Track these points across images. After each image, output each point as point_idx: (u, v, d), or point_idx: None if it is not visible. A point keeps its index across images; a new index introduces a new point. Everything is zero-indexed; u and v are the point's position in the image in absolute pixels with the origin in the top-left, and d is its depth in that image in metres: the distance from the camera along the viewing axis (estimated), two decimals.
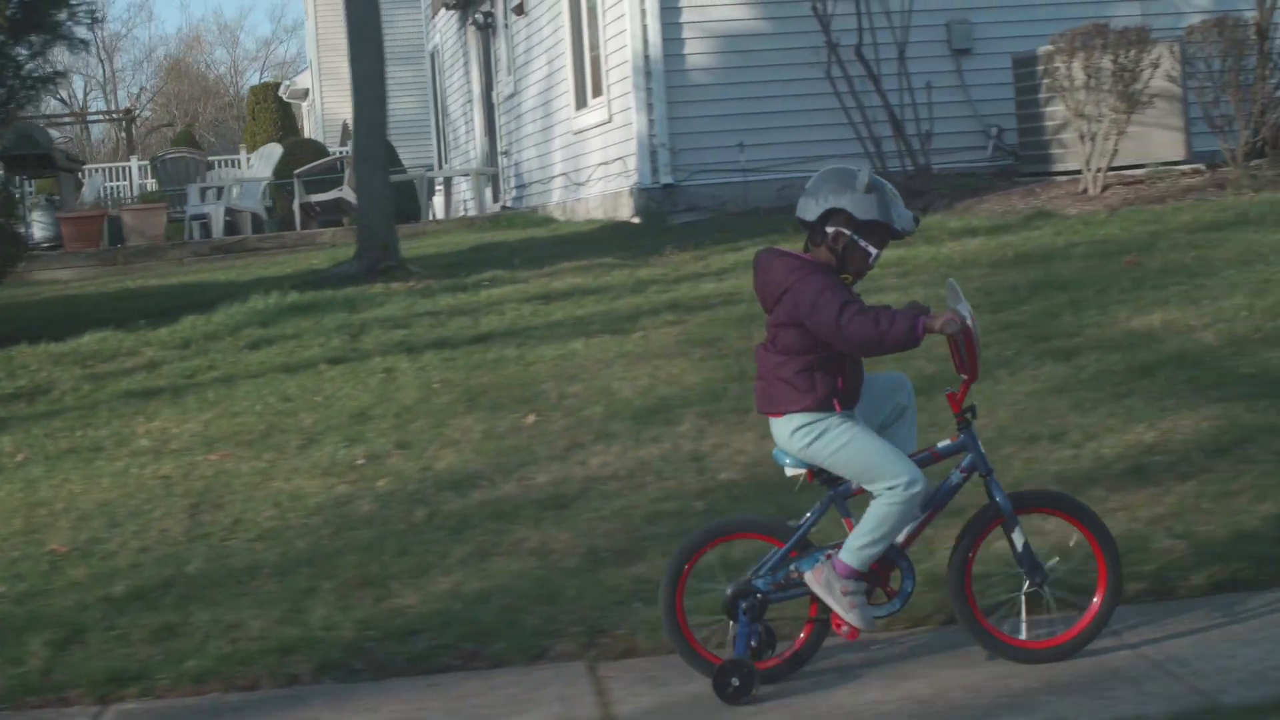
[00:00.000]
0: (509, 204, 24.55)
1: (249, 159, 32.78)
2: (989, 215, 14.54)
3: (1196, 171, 15.58)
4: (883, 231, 5.55)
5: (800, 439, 5.55)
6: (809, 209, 5.56)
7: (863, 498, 5.71)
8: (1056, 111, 15.60)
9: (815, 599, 5.64)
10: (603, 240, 16.25)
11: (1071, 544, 5.93)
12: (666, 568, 5.77)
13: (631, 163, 17.34)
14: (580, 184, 19.85)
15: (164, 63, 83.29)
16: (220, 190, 24.14)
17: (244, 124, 57.58)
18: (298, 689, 6.17)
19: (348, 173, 23.12)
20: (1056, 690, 5.45)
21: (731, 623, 5.69)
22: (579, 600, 6.57)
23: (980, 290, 11.22)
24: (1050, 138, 15.87)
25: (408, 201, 24.54)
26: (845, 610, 5.53)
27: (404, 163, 30.36)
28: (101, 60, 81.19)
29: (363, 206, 14.23)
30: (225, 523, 7.94)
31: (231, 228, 24.09)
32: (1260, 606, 6.03)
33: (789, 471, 5.72)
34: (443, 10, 29.18)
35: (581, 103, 19.88)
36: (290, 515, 7.95)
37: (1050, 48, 15.37)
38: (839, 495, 5.68)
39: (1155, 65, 14.92)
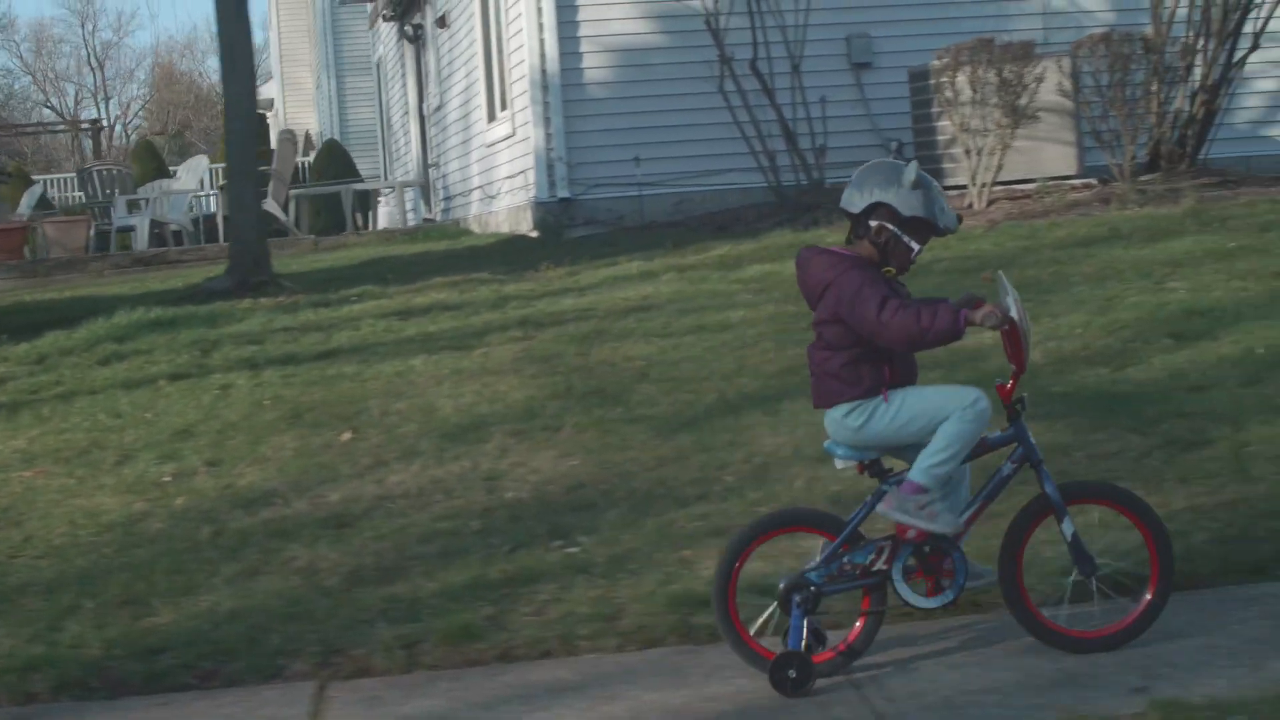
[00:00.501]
0: (437, 216, 24.57)
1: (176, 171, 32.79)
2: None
3: (1087, 186, 15.62)
4: (926, 228, 5.61)
5: (853, 421, 5.58)
6: (853, 201, 5.61)
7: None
8: (947, 126, 15.63)
9: (868, 591, 5.66)
10: (494, 254, 16.26)
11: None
12: (719, 561, 5.76)
13: (531, 176, 17.36)
14: (492, 197, 19.88)
15: (155, 71, 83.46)
16: (147, 202, 24.12)
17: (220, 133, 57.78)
18: (35, 707, 6.18)
19: (271, 185, 23.11)
20: (748, 713, 5.46)
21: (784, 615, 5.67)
22: (327, 620, 6.58)
23: None
24: (942, 152, 15.89)
25: (336, 214, 24.59)
26: (928, 521, 5.52)
27: (361, 173, 30.40)
28: (93, 69, 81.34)
29: (233, 222, 14.23)
30: (16, 540, 7.94)
31: (162, 240, 24.09)
32: (986, 631, 6.02)
33: (839, 464, 5.74)
34: (381, 22, 29.20)
35: (492, 116, 19.92)
36: (81, 533, 7.94)
37: (938, 62, 15.39)
38: (890, 487, 5.68)
39: (1039, 80, 14.94)
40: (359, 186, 25.12)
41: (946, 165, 15.85)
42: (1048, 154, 15.77)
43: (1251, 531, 6.67)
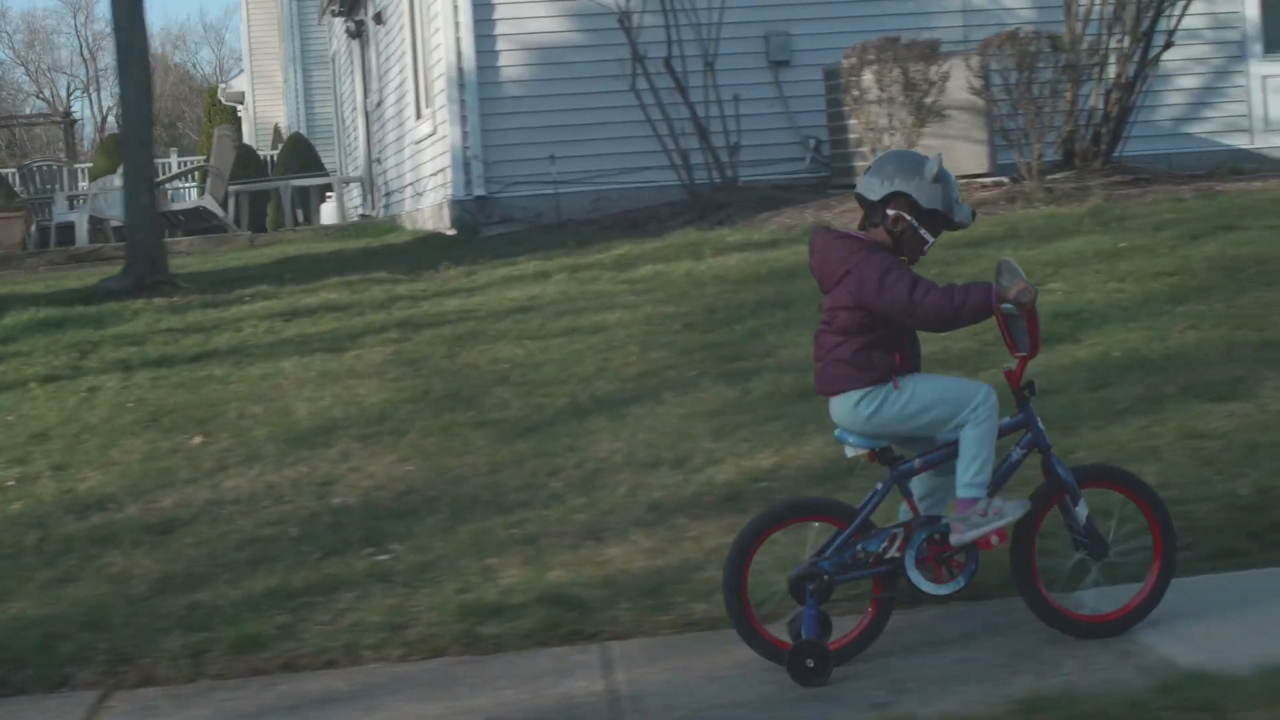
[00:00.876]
0: (379, 212, 24.56)
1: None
2: (775, 229, 14.55)
3: (997, 184, 15.62)
4: (941, 221, 5.62)
5: (864, 409, 5.57)
6: (873, 188, 5.61)
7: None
8: (857, 124, 15.62)
9: (880, 579, 5.67)
10: (405, 252, 16.28)
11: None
12: (731, 550, 5.74)
13: (449, 174, 17.36)
14: (420, 194, 19.90)
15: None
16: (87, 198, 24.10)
17: (200, 125, 57.80)
18: None
19: (210, 181, 23.11)
20: None
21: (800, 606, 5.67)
22: (124, 628, 6.57)
23: (706, 309, 11.27)
24: (853, 150, 15.89)
25: (274, 209, 24.60)
26: (999, 520, 5.56)
27: (326, 166, 30.36)
28: (85, 60, 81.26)
29: (129, 222, 14.23)
30: None
31: (104, 235, 24.02)
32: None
33: (850, 452, 5.74)
34: (330, 17, 29.18)
35: (418, 114, 19.93)
36: None
37: (846, 61, 15.39)
38: (901, 475, 5.70)
39: (945, 79, 14.94)
40: (298, 182, 25.10)
41: (858, 163, 15.85)
42: (959, 152, 15.73)
43: (1046, 545, 6.63)
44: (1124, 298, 10.74)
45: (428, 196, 19.19)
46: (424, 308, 12.00)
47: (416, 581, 6.77)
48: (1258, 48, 18.48)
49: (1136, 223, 13.45)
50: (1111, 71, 16.11)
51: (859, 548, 5.64)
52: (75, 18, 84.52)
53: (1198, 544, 6.60)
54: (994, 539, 5.58)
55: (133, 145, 13.94)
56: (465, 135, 17.04)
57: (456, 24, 16.94)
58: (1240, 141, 18.38)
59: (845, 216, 14.95)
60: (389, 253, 16.64)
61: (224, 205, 22.84)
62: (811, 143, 17.14)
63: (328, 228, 22.92)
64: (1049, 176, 15.42)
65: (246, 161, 33.85)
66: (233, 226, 22.76)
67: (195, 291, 13.61)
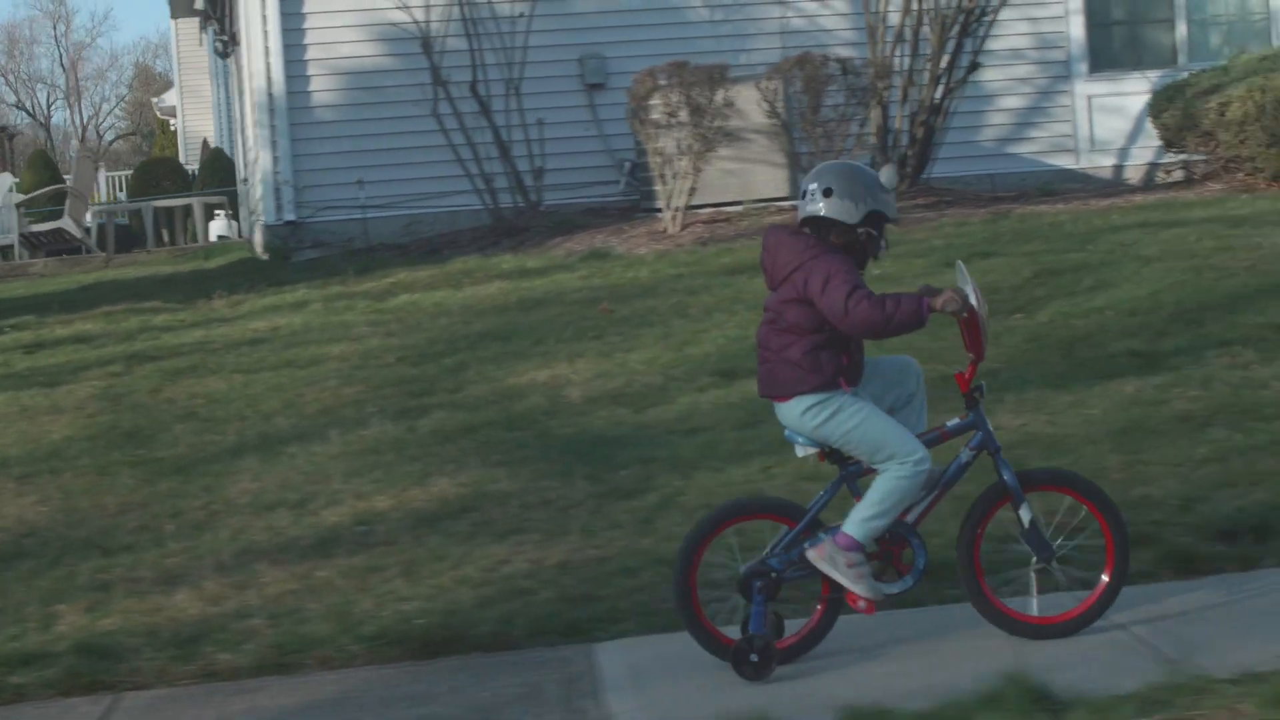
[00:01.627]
0: (243, 233, 24.62)
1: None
2: (557, 255, 14.61)
3: (795, 209, 15.66)
4: (883, 220, 5.74)
5: (812, 418, 5.65)
6: (850, 213, 5.65)
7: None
8: (649, 148, 15.67)
9: (828, 578, 5.72)
10: (202, 279, 16.31)
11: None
12: (680, 549, 5.81)
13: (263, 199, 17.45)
14: (258, 217, 19.95)
15: (129, 70, 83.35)
16: None
17: (154, 138, 57.91)
18: None
19: (69, 203, 23.16)
20: None
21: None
22: None
23: (429, 341, 11.34)
24: (652, 174, 15.94)
25: (136, 230, 24.70)
26: (852, 582, 5.63)
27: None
28: (64, 69, 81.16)
29: None
30: None
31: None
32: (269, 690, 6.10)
33: (800, 452, 5.81)
34: (209, 35, 29.23)
35: (252, 137, 19.99)
36: None
37: (635, 86, 15.44)
38: (849, 475, 5.78)
39: (731, 103, 15.00)
40: (160, 203, 25.17)
41: (658, 187, 15.88)
42: (759, 176, 15.84)
43: (597, 590, 6.67)
44: None
45: (257, 219, 19.28)
46: (165, 339, 12.06)
47: None
48: (1083, 67, 18.53)
49: (903, 249, 13.43)
50: (917, 94, 16.21)
51: (806, 545, 5.72)
52: (55, 27, 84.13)
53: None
54: (861, 604, 5.66)
55: None
56: (275, 160, 17.10)
57: (266, 49, 17.01)
58: (1066, 161, 18.44)
59: (634, 240, 15.03)
60: (190, 279, 16.69)
61: (84, 226, 22.89)
62: (626, 165, 17.17)
63: (185, 248, 22.98)
64: None
65: (171, 176, 33.94)
66: (93, 247, 22.81)
67: None
